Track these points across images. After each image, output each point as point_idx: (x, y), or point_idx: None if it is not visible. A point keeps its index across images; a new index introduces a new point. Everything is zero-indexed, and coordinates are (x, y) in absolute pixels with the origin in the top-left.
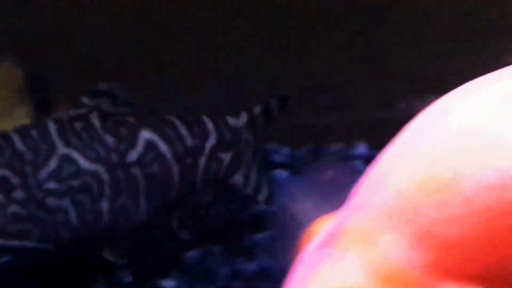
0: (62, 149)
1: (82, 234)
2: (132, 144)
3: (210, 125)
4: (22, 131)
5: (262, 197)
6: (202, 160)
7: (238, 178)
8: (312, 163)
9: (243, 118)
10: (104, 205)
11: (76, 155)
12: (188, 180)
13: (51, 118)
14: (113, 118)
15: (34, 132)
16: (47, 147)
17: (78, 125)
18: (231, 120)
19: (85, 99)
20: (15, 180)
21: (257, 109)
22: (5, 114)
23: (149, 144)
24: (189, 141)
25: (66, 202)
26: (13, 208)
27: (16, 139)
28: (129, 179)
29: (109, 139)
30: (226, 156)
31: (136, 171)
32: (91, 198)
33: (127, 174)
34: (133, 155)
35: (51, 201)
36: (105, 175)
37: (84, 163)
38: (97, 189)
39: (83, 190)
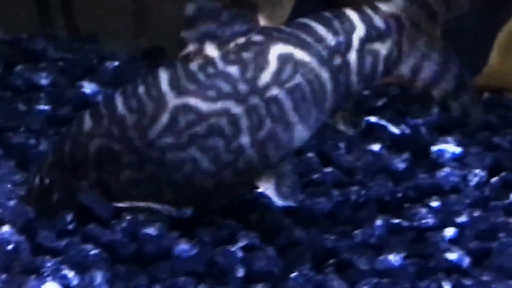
0: (173, 101)
1: (224, 176)
2: (262, 65)
3: (354, 17)
4: (128, 92)
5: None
6: (352, 56)
7: (403, 69)
8: None
9: (398, 0)
10: (245, 139)
11: (193, 101)
12: (343, 82)
13: (164, 65)
14: (235, 43)
15: (141, 90)
16: (155, 104)
17: (194, 66)
18: (383, 6)
19: (185, 33)
20: (117, 146)
21: None
22: None
23: (284, 58)
24: (330, 40)
25: (192, 152)
26: (127, 174)
27: (118, 102)
28: (270, 102)
29: (233, 69)
30: (383, 47)
31: (275, 91)
32: (225, 138)
33: (265, 99)
34: (265, 77)
35: (171, 155)
36: (236, 109)
37: (205, 106)
38: (231, 126)
39: (211, 133)
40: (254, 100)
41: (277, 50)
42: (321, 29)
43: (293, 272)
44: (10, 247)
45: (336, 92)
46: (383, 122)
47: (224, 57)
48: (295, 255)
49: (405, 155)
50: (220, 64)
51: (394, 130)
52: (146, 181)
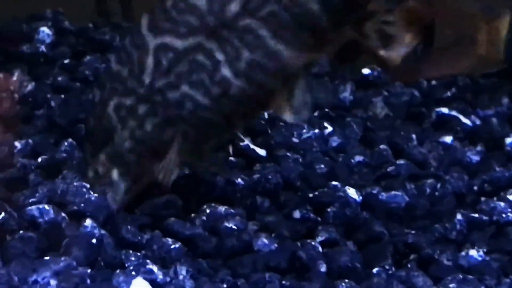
0: (153, 42)
1: (225, 108)
2: None
3: None
4: (119, 48)
5: None
6: None
7: None
8: None
9: None
10: (226, 71)
11: (168, 39)
12: None
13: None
14: None
15: (127, 41)
16: (139, 51)
17: (169, 3)
18: None
19: None
20: (128, 100)
21: None
22: None
23: None
24: None
25: (184, 89)
26: (149, 123)
27: (112, 61)
28: (244, 33)
29: (200, 2)
30: None
31: (246, 21)
32: (207, 72)
33: (238, 29)
34: (233, 7)
35: (172, 94)
36: (208, 43)
37: (179, 43)
38: (209, 60)
39: (193, 69)
40: (224, 32)
41: None
42: None
43: (375, 268)
44: (93, 241)
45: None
46: (454, 113)
47: None
48: (376, 250)
49: (479, 147)
50: None
51: (466, 121)
52: (168, 124)
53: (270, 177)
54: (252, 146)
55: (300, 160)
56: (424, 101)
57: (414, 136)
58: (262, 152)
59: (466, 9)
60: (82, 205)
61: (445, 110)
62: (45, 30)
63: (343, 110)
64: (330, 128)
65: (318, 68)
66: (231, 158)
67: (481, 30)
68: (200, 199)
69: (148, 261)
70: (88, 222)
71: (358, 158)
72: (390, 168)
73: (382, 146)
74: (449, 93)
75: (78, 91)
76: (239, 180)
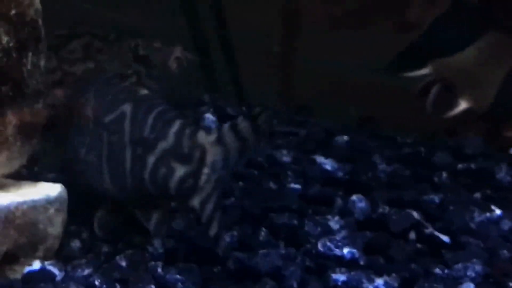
0: None
1: None
2: None
3: None
4: None
5: None
6: None
7: None
8: None
9: None
10: None
11: None
12: None
13: None
14: None
15: None
16: None
17: None
18: None
19: None
20: None
21: None
22: None
23: None
24: None
25: None
26: None
27: None
28: None
29: None
30: None
31: None
32: None
33: None
34: None
35: None
36: None
37: None
38: None
39: None
40: None
41: None
42: None
43: None
44: None
45: None
46: None
47: None
48: None
49: None
50: None
51: None
52: None
53: (474, 267)
54: (436, 233)
55: (482, 245)
56: None
57: None
58: (445, 238)
59: None
60: None
61: None
62: (209, 116)
63: (504, 191)
64: (498, 211)
65: (472, 150)
66: (418, 245)
67: None
68: None
69: None
70: None
71: None
72: None
73: None
74: None
75: (256, 179)
76: (437, 270)
